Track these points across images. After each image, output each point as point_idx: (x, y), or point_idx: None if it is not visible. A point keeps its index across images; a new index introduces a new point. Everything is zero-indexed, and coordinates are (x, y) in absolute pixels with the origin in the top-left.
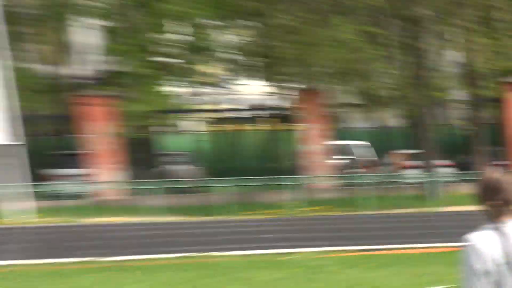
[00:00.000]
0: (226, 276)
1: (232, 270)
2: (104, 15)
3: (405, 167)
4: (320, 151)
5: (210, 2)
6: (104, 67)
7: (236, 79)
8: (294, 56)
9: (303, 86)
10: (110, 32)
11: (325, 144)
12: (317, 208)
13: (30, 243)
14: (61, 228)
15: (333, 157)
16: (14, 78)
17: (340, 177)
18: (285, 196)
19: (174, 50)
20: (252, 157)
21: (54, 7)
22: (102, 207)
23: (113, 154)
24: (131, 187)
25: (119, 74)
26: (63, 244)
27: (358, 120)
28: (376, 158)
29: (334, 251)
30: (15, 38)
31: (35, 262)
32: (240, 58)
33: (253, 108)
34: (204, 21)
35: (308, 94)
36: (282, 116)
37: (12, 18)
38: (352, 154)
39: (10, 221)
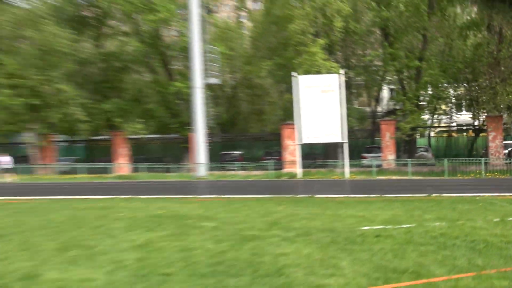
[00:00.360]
0: (442, 206)
1: (446, 203)
2: (389, 83)
3: None
4: (496, 146)
5: (446, 76)
6: (391, 106)
7: (453, 111)
8: (486, 99)
9: (490, 114)
10: (393, 90)
11: (499, 142)
12: (492, 174)
13: (348, 187)
14: (365, 181)
15: (503, 149)
16: (346, 112)
17: (506, 159)
18: (476, 168)
19: (426, 98)
20: (460, 149)
21: (370, 80)
22: (385, 171)
23: (392, 147)
24: (399, 162)
25: (399, 109)
26: (365, 188)
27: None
28: None
29: (501, 195)
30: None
31: (349, 196)
32: (454, 101)
33: (460, 124)
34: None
35: (492, 117)
36: (477, 129)
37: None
38: None
39: (339, 176)
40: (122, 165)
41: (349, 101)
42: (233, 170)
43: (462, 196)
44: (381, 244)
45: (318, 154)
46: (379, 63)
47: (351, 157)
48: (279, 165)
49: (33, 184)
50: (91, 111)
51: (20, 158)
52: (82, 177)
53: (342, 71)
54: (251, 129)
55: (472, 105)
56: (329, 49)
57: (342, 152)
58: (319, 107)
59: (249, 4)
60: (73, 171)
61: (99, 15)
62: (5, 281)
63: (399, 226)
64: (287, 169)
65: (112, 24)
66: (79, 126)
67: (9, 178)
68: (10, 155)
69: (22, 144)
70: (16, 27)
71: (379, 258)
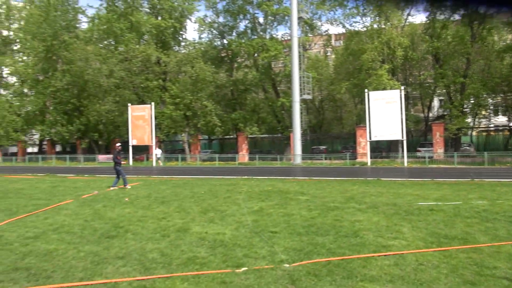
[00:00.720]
0: (483, 189)
1: (486, 186)
2: (439, 95)
3: None
4: None
5: (486, 88)
6: (440, 112)
7: (491, 115)
8: None
9: None
10: (442, 100)
11: None
12: None
13: (406, 173)
14: (420, 168)
15: None
16: (405, 117)
17: None
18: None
19: (469, 106)
20: (497, 145)
21: (423, 93)
22: (435, 161)
23: (441, 143)
24: (447, 154)
25: (446, 115)
26: (420, 173)
27: None
28: None
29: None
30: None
31: (407, 179)
32: (492, 107)
33: (497, 125)
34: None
35: None
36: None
37: (406, 97)
38: None
39: (399, 165)
40: (243, 156)
41: (407, 109)
42: (320, 159)
43: (500, 181)
44: (434, 216)
45: (383, 148)
46: (431, 80)
47: (409, 150)
48: (354, 156)
49: (185, 168)
50: (224, 119)
51: (178, 151)
52: (216, 164)
53: (402, 88)
54: (332, 130)
55: (508, 110)
56: (392, 72)
57: (402, 146)
58: (384, 114)
59: (333, 42)
60: (210, 159)
61: (230, 55)
62: (167, 232)
63: (448, 203)
64: (359, 159)
65: (239, 61)
66: (216, 129)
67: (161, 163)
68: (161, 148)
69: (179, 141)
70: (178, 65)
71: (433, 227)
